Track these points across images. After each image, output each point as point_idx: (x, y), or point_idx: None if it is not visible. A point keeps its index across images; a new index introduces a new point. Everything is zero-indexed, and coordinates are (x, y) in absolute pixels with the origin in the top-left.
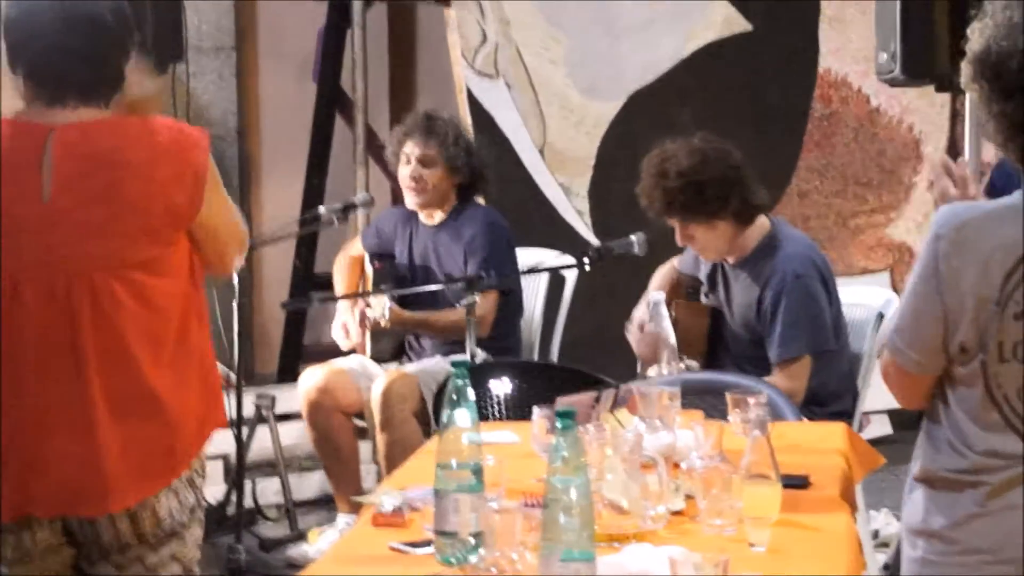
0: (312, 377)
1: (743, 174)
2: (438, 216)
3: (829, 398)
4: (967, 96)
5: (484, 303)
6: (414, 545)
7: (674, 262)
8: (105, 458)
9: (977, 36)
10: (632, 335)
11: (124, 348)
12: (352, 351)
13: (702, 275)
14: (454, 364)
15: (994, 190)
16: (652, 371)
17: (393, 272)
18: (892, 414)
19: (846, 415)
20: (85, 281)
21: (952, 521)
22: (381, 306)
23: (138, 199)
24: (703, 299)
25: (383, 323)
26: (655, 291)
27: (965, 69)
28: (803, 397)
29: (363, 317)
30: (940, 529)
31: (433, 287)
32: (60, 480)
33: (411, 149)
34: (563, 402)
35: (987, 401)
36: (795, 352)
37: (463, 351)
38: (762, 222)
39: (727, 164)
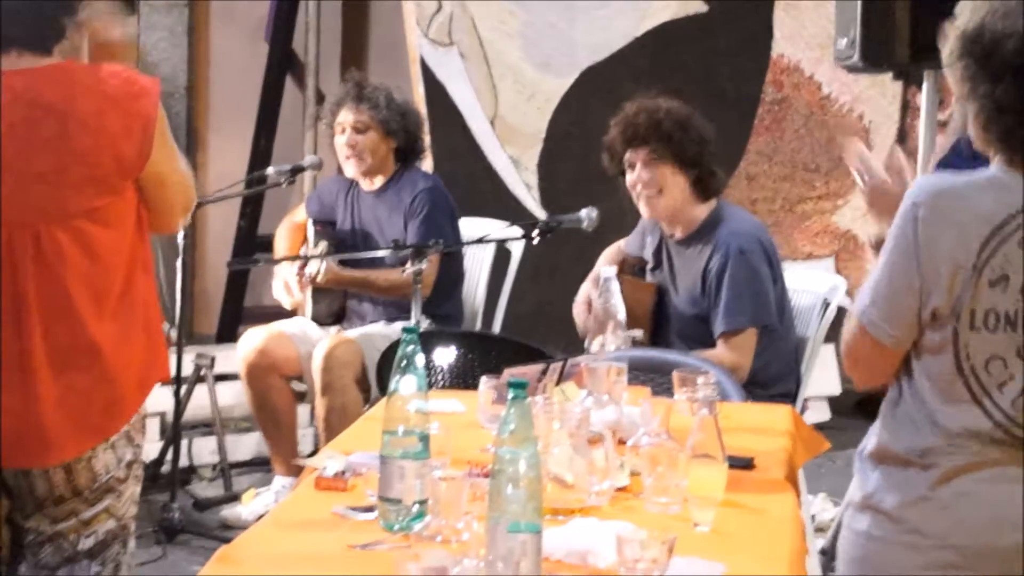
0: (252, 339)
1: (713, 150)
2: (378, 182)
3: (771, 380)
4: (924, 85)
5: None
6: (357, 510)
7: (620, 243)
8: (43, 411)
9: (969, 13)
10: (578, 312)
11: (67, 299)
12: (294, 312)
13: (647, 254)
14: (405, 330)
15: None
16: (595, 344)
17: (333, 236)
18: (831, 400)
19: (788, 397)
20: (29, 231)
21: (901, 501)
22: (318, 262)
23: (86, 148)
24: (648, 277)
25: (320, 279)
26: (606, 266)
27: (951, 45)
28: (747, 375)
29: (301, 274)
30: (889, 508)
31: (380, 252)
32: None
33: (344, 117)
34: (510, 373)
35: (954, 371)
36: (739, 324)
37: (405, 319)
38: (710, 202)
39: (707, 131)
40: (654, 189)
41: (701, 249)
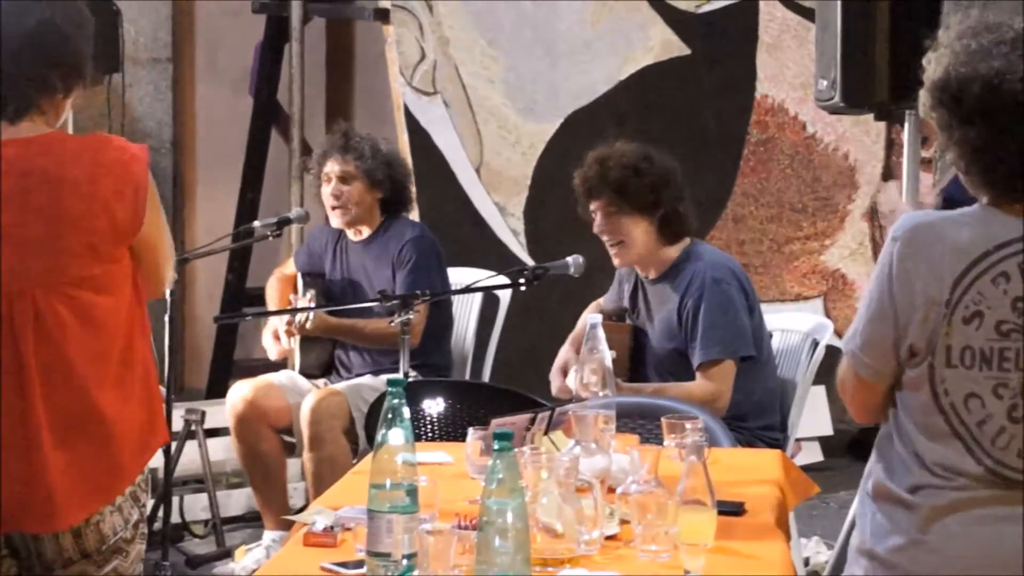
0: (241, 390)
1: (680, 188)
2: (365, 232)
3: (753, 413)
4: (906, 125)
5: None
6: (346, 566)
7: (600, 300)
8: (50, 478)
9: (935, 65)
10: (555, 378)
11: (68, 367)
12: (283, 364)
13: (625, 300)
14: (390, 383)
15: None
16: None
17: (322, 287)
18: (823, 441)
19: (771, 430)
20: (27, 299)
21: (894, 545)
22: (307, 312)
23: (80, 215)
24: (629, 322)
25: (308, 326)
26: (592, 314)
27: (924, 98)
28: (727, 406)
29: (290, 323)
30: (882, 552)
31: (367, 304)
32: (6, 497)
33: (331, 168)
34: (498, 423)
35: (934, 408)
36: (716, 354)
37: (393, 369)
38: (682, 241)
39: (668, 169)
40: (616, 239)
41: (675, 284)
